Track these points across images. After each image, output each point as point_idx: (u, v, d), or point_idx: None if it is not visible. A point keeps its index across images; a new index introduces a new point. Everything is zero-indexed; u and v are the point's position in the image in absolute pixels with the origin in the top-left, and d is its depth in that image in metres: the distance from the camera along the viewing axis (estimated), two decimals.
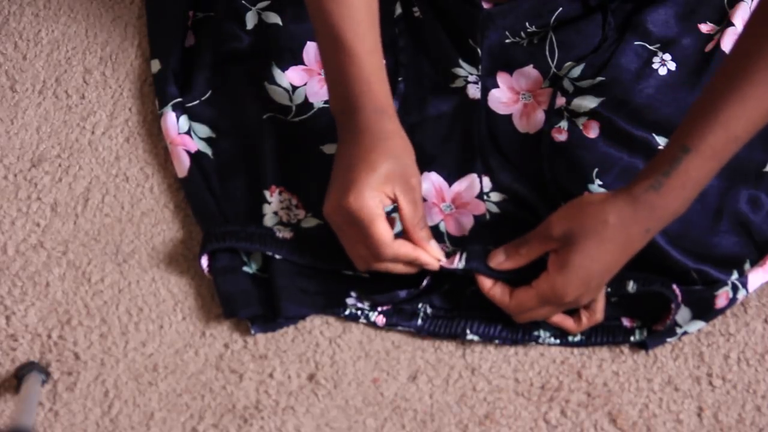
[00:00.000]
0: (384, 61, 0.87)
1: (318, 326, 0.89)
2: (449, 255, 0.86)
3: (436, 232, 0.91)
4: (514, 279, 0.85)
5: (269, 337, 0.89)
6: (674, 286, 0.86)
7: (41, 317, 0.90)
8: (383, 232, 0.82)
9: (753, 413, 0.86)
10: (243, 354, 0.88)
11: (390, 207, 0.85)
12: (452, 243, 0.91)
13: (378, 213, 0.82)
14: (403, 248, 0.84)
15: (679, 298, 0.86)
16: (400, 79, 0.99)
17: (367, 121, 0.84)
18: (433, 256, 0.85)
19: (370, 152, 0.83)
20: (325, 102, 0.98)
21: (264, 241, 0.89)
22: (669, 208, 0.80)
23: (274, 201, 0.93)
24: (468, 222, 0.92)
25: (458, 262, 0.86)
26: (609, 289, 0.86)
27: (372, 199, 0.82)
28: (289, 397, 0.86)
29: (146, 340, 0.89)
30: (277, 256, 0.89)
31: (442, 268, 0.86)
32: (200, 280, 0.91)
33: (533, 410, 0.86)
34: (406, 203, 0.84)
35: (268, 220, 0.92)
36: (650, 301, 0.88)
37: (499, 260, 0.85)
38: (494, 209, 0.93)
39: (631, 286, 0.86)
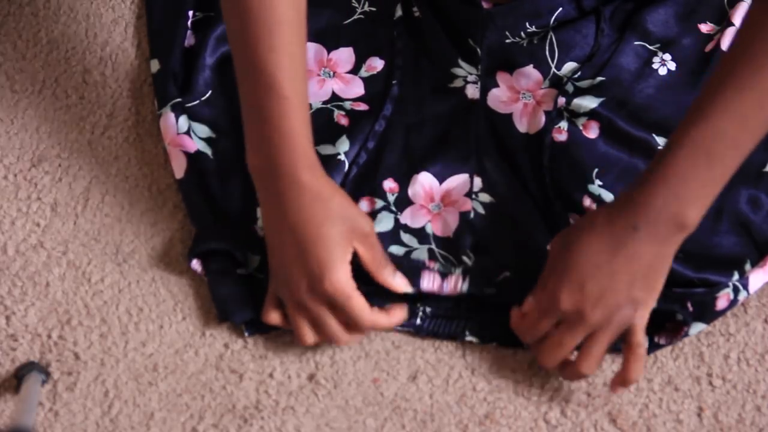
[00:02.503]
0: (309, 113, 0.85)
1: None
2: (445, 275, 0.87)
3: (422, 234, 0.91)
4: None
5: (269, 337, 0.89)
6: (689, 305, 0.87)
7: (41, 317, 0.90)
8: (361, 305, 0.82)
9: (753, 413, 0.86)
10: (243, 354, 0.88)
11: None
12: (437, 245, 0.91)
13: (353, 287, 0.82)
14: (381, 319, 0.84)
15: (690, 319, 0.87)
16: (394, 82, 0.99)
17: (302, 183, 0.82)
18: (399, 289, 0.86)
19: (321, 225, 0.81)
20: (324, 102, 0.98)
21: (248, 242, 0.89)
22: (653, 204, 0.78)
23: None
24: (453, 221, 0.92)
25: (461, 285, 0.87)
26: None
27: (345, 276, 0.81)
28: (289, 397, 0.86)
29: (146, 340, 0.89)
30: (256, 257, 0.89)
31: (445, 295, 0.87)
32: (200, 281, 0.91)
33: (533, 410, 0.86)
34: (365, 251, 0.83)
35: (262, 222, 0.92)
36: (654, 312, 0.88)
37: (519, 314, 0.85)
38: (480, 209, 0.93)
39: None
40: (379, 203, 0.93)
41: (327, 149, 0.94)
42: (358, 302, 0.82)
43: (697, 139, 0.76)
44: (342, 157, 0.94)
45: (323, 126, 0.93)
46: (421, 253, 0.90)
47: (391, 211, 0.93)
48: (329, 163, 0.92)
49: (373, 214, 0.92)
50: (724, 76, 0.76)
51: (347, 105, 0.98)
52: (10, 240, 0.94)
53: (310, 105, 0.98)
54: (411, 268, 0.87)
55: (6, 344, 0.89)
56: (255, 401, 0.86)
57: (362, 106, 0.98)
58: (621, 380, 0.82)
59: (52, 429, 0.85)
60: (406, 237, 0.91)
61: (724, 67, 0.76)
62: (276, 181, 0.83)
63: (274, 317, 0.85)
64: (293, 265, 0.82)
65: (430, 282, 0.87)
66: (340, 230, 0.82)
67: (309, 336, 0.84)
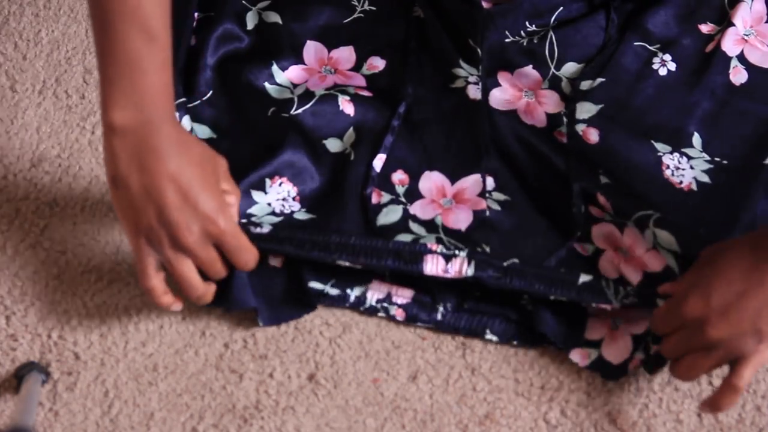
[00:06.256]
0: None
1: (318, 326, 0.89)
2: (449, 258, 0.86)
3: (431, 225, 0.91)
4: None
5: (269, 337, 0.89)
6: None
7: (41, 317, 0.90)
8: (247, 242, 0.85)
9: (753, 413, 0.86)
10: (243, 354, 0.88)
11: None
12: (447, 235, 0.91)
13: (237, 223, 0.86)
14: (252, 258, 0.85)
15: None
16: (408, 91, 0.99)
17: (172, 131, 0.82)
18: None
19: (201, 168, 0.82)
20: (327, 89, 0.98)
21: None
22: None
23: (271, 191, 0.92)
24: (467, 218, 0.92)
25: (466, 269, 0.85)
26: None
27: (232, 214, 0.85)
28: (289, 397, 0.86)
29: (146, 340, 0.89)
30: None
31: (449, 279, 0.86)
32: None
33: (533, 410, 0.86)
34: (226, 186, 0.86)
35: (257, 210, 0.91)
36: None
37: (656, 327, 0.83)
38: (495, 207, 0.93)
39: None
40: (386, 196, 0.93)
41: (336, 145, 0.94)
42: (244, 239, 0.84)
43: None
44: (352, 156, 0.94)
45: (328, 113, 0.94)
46: (428, 239, 0.89)
47: (400, 202, 0.93)
48: (336, 160, 0.93)
49: (378, 207, 0.92)
50: None
51: (351, 90, 0.98)
52: (10, 240, 0.94)
53: (314, 93, 0.98)
54: (413, 254, 0.86)
55: (6, 344, 0.89)
56: (255, 401, 0.86)
57: (366, 93, 0.98)
58: (710, 405, 0.79)
59: (52, 429, 0.85)
60: (414, 226, 0.91)
61: None
62: (152, 132, 0.81)
63: (157, 283, 0.84)
64: (179, 212, 0.81)
65: (433, 265, 0.86)
66: (213, 171, 0.84)
67: (200, 283, 0.84)
